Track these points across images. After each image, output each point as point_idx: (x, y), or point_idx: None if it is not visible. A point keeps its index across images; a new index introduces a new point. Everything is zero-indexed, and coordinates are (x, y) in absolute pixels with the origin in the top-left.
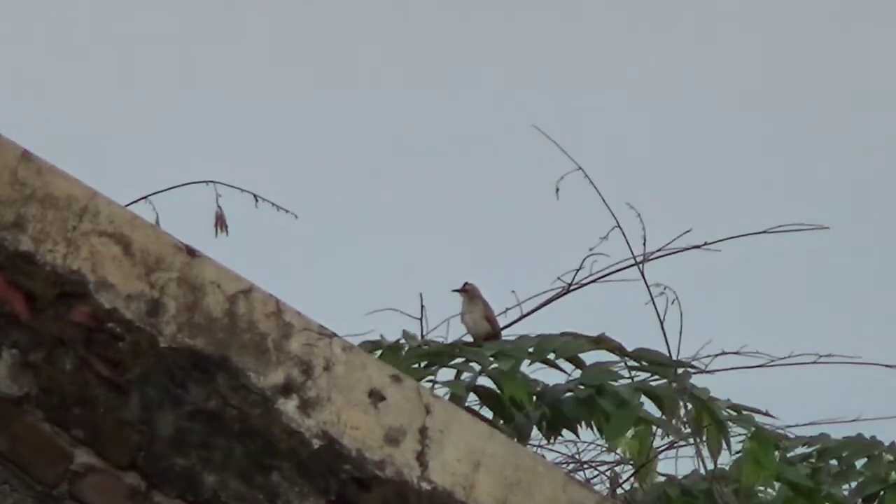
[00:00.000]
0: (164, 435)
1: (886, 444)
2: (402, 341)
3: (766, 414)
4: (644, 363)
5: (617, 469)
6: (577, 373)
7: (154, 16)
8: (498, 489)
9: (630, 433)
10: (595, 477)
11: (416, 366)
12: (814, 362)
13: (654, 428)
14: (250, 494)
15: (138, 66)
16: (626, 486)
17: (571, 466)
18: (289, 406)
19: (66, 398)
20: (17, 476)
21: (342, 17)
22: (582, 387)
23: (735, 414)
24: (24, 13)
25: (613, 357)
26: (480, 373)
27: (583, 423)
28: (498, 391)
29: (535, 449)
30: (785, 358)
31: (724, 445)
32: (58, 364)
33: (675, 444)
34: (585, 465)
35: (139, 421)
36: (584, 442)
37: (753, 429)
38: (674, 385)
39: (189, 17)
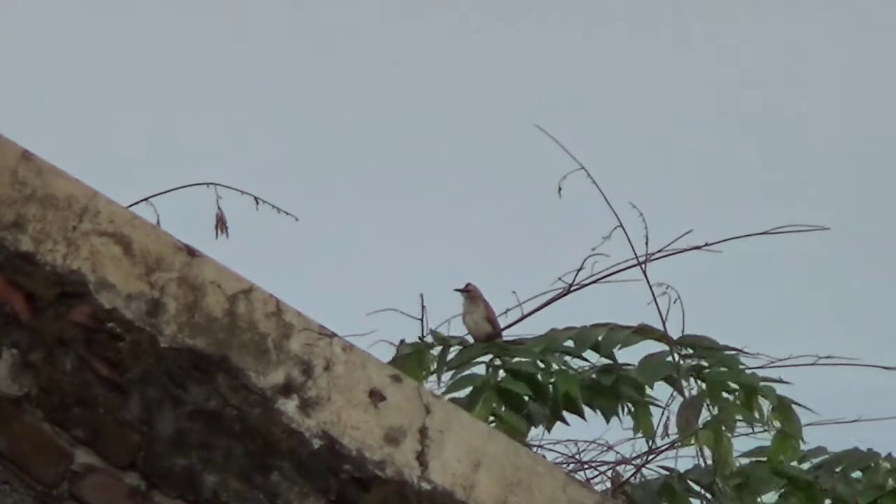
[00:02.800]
0: (164, 435)
1: (883, 454)
2: (433, 341)
3: (782, 381)
4: (692, 350)
5: (618, 469)
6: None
7: (156, 18)
8: (498, 489)
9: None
10: (596, 477)
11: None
12: (813, 364)
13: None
14: (250, 494)
15: (139, 68)
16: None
17: (572, 467)
18: (289, 406)
19: (67, 398)
20: (18, 476)
21: (342, 20)
22: (604, 374)
23: (762, 385)
24: (26, 14)
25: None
26: (499, 368)
27: (596, 411)
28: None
29: (535, 449)
30: (785, 359)
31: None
32: (58, 364)
33: (676, 445)
34: (586, 466)
35: (139, 421)
36: (585, 441)
37: (777, 400)
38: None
39: (191, 19)
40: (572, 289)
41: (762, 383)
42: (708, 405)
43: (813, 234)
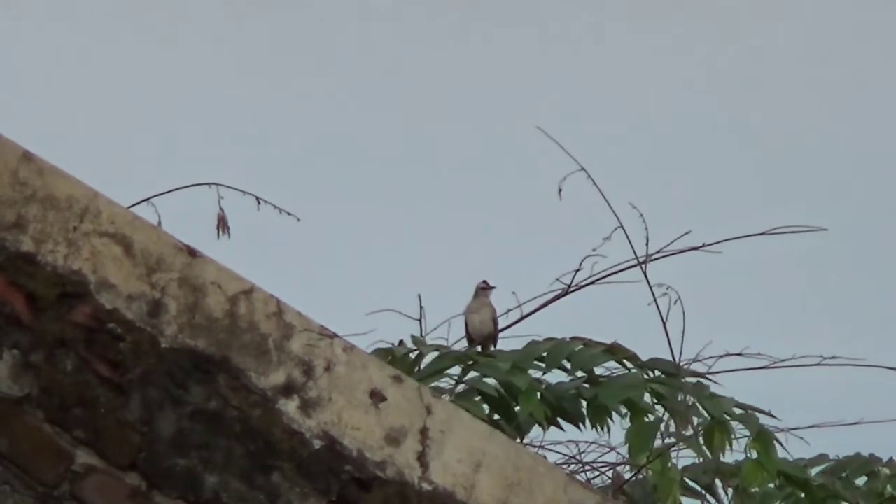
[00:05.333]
0: (164, 435)
1: (886, 457)
2: (412, 346)
3: (770, 415)
4: (658, 373)
5: (619, 469)
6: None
7: (158, 18)
8: (499, 489)
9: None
10: (596, 477)
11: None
12: (817, 364)
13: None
14: (251, 495)
15: (141, 68)
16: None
17: (573, 467)
18: (290, 406)
19: (67, 399)
20: (18, 477)
21: (343, 22)
22: (587, 385)
23: (741, 412)
24: (28, 15)
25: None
26: (485, 376)
27: (586, 423)
28: (501, 391)
29: (536, 450)
30: (788, 360)
31: (728, 447)
32: (59, 365)
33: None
34: (587, 466)
35: (140, 421)
36: (586, 442)
37: (757, 430)
38: (686, 396)
39: (192, 19)
40: (571, 289)
41: (747, 411)
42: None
43: (812, 234)
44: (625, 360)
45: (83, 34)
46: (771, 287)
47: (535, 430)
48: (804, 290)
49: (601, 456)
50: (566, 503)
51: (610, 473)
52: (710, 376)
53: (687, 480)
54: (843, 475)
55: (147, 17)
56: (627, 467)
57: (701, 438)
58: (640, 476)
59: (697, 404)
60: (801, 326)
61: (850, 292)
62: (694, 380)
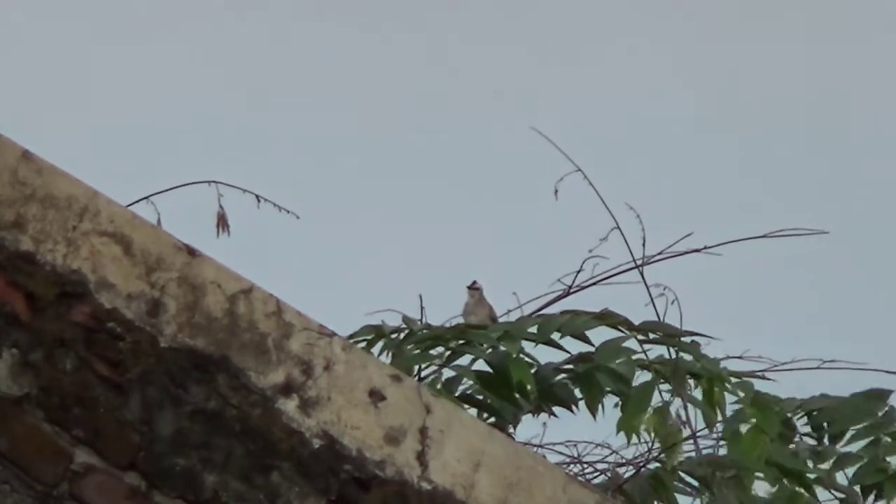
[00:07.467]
0: (164, 435)
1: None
2: (403, 326)
3: (765, 377)
4: (653, 335)
5: (619, 470)
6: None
7: (155, 13)
8: (498, 489)
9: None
10: (596, 477)
11: (417, 351)
12: (817, 367)
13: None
14: (251, 494)
15: (140, 66)
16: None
17: (573, 468)
18: (289, 406)
19: (67, 398)
20: (18, 476)
21: (342, 21)
22: (581, 363)
23: (736, 380)
24: (27, 13)
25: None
26: (479, 356)
27: (577, 405)
28: (495, 373)
29: (536, 450)
30: (788, 363)
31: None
32: (58, 364)
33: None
34: (587, 466)
35: (139, 421)
36: (586, 443)
37: (752, 395)
38: (682, 357)
39: (190, 12)
40: (572, 290)
41: (744, 378)
42: (660, 392)
43: (812, 237)
44: (618, 326)
45: (82, 33)
46: (771, 290)
47: (534, 430)
48: (805, 293)
49: (603, 458)
50: (565, 503)
51: (609, 474)
52: None
53: (682, 475)
54: (839, 418)
55: (146, 15)
56: (627, 468)
57: (700, 396)
58: (645, 469)
59: (694, 363)
60: (802, 330)
61: (850, 296)
62: (689, 339)
